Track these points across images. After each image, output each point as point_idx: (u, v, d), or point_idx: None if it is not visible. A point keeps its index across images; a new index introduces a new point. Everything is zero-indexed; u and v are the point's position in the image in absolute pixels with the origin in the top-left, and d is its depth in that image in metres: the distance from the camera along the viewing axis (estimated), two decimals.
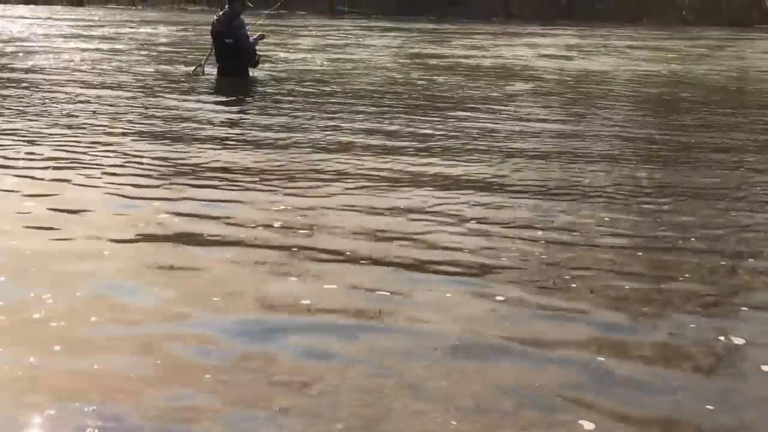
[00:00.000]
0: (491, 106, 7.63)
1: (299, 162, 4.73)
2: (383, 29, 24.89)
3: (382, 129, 6.09)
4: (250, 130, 5.92)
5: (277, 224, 3.40)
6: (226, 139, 5.50)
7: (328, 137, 5.62)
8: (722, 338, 2.34)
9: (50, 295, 2.53)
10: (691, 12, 32.99)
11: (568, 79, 10.78)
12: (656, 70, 12.58)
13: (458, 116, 6.92)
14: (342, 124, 6.24)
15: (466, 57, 14.05)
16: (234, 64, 9.10)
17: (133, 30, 21.07)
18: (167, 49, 14.50)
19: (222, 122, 6.29)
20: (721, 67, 13.38)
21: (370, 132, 5.93)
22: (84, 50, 13.52)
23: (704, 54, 16.56)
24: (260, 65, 9.54)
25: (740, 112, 7.98)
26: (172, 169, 4.52)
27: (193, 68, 9.87)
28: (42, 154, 4.80)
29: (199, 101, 7.56)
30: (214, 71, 9.37)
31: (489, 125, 6.39)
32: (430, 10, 38.81)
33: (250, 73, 9.32)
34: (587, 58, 14.65)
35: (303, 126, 6.13)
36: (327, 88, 8.85)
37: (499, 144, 5.56)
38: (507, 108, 7.56)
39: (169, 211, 3.59)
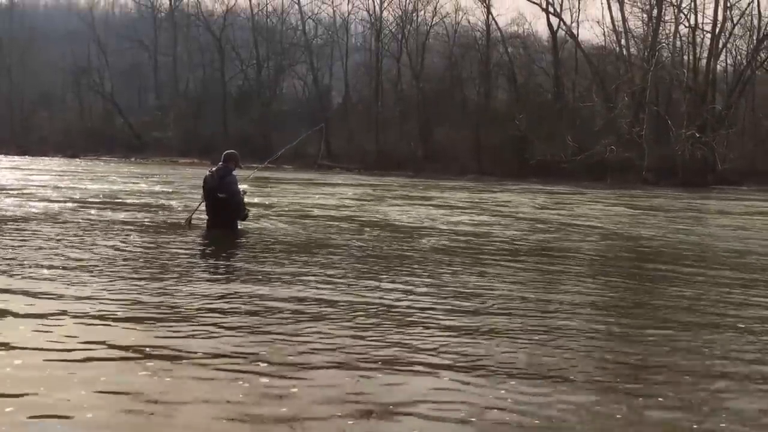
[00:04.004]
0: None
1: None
2: (362, 184, 26.39)
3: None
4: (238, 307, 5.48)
5: None
6: (218, 324, 4.96)
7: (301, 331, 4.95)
8: None
9: None
10: (650, 173, 35.23)
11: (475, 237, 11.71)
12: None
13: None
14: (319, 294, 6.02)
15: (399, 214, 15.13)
16: (224, 218, 9.82)
17: (127, 181, 22.26)
18: (161, 200, 15.49)
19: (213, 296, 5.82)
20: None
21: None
22: (71, 201, 14.44)
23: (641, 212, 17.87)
24: (248, 218, 10.27)
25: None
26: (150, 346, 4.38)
27: (184, 220, 10.67)
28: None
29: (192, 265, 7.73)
30: (203, 223, 10.08)
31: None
32: (407, 165, 41.09)
33: (239, 226, 10.10)
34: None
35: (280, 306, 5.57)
36: (301, 246, 9.46)
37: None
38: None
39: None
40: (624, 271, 8.38)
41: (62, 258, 7.35)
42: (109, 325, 4.89)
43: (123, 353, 4.26)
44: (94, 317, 5.03)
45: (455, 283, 6.89)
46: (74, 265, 6.94)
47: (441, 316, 5.43)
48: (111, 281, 6.28)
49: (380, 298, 6.03)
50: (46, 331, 4.62)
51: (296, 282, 6.56)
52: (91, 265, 6.98)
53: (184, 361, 4.16)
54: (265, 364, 4.13)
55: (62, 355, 4.18)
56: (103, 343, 4.43)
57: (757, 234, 13.02)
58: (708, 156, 36.12)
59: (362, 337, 4.78)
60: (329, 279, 6.79)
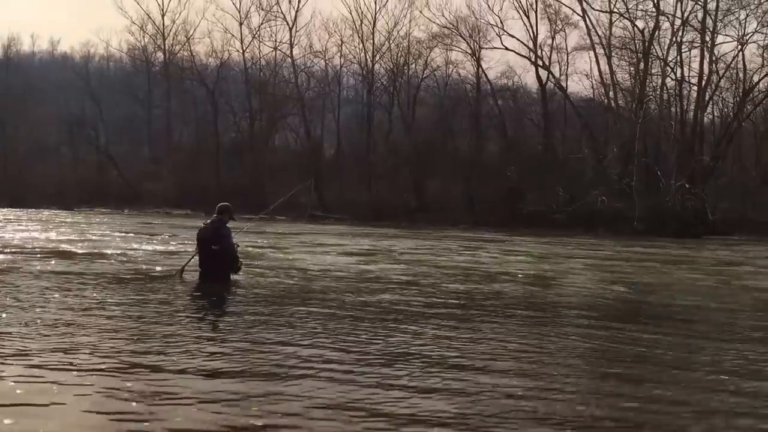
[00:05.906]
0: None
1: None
2: (358, 234, 26.41)
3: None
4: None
5: None
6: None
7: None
8: None
9: None
10: (641, 223, 35.43)
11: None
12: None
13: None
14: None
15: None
16: (217, 270, 9.81)
17: (118, 235, 22.20)
18: (152, 252, 15.41)
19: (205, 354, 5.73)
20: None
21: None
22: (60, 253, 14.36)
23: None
24: (241, 270, 10.21)
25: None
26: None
27: (175, 272, 10.62)
28: None
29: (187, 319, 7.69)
30: (195, 275, 10.02)
31: None
32: (400, 216, 41.19)
33: (231, 278, 10.04)
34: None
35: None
36: (291, 299, 9.39)
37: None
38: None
39: None
40: (597, 325, 8.31)
41: (62, 309, 7.28)
42: (99, 375, 4.82)
43: (110, 416, 4.16)
44: (87, 370, 4.96)
45: (437, 339, 6.80)
46: (74, 317, 6.87)
47: (425, 376, 5.32)
48: (102, 334, 6.19)
49: (376, 353, 5.99)
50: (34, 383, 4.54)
51: (285, 343, 6.32)
52: (83, 319, 6.88)
53: (177, 419, 4.08)
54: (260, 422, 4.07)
55: (47, 412, 4.11)
56: (94, 401, 4.35)
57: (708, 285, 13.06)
58: (698, 206, 36.46)
59: (350, 403, 4.68)
60: (315, 341, 6.47)
